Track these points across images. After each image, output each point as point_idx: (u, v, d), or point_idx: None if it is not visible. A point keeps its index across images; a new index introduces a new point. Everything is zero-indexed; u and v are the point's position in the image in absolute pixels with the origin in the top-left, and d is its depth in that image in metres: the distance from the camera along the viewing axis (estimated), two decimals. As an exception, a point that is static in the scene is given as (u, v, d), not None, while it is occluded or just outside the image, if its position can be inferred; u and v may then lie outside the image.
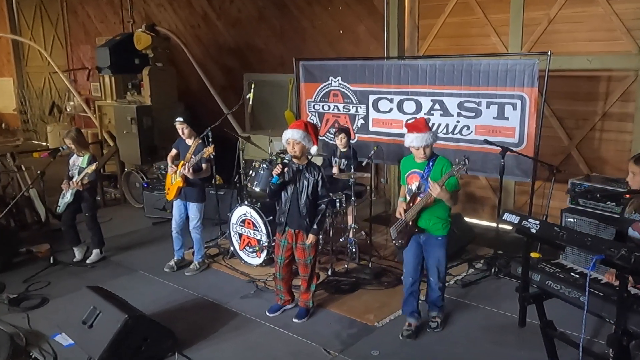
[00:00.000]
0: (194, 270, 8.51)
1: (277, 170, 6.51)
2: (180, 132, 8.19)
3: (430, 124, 6.51)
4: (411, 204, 6.14)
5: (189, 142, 8.22)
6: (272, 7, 12.64)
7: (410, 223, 6.17)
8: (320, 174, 6.58)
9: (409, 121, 6.35)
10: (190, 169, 8.00)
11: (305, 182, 6.54)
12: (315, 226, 6.61)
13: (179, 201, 8.40)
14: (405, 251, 6.40)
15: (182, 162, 8.16)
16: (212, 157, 8.03)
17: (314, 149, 6.55)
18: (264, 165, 8.24)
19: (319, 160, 9.60)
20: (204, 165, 8.17)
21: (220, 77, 13.98)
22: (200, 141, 8.20)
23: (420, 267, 6.39)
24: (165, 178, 8.97)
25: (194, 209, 8.38)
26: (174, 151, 8.50)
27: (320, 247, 8.54)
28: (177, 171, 8.17)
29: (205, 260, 8.73)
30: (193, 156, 8.02)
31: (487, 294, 7.46)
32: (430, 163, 6.05)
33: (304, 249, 6.73)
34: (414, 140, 6.00)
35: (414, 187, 6.15)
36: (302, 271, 6.88)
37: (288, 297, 7.15)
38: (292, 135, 6.42)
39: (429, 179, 5.93)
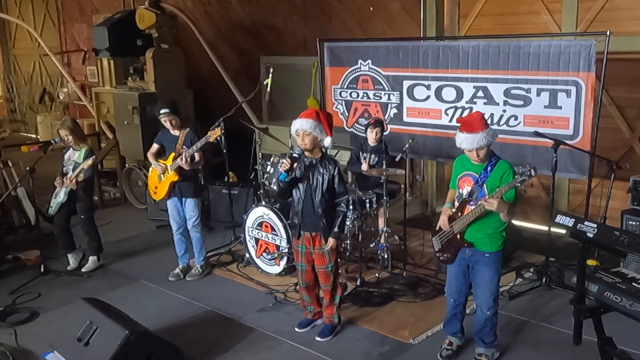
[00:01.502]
0: (196, 275, 8.65)
1: (284, 165, 6.52)
2: (168, 124, 8.25)
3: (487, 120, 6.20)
4: (459, 213, 5.95)
5: (176, 132, 8.31)
6: (292, -20, 12.72)
7: (458, 236, 6.00)
8: (337, 168, 6.56)
9: (462, 116, 6.19)
10: (189, 160, 8.07)
11: (320, 178, 6.51)
12: (335, 228, 6.58)
13: (174, 200, 8.48)
14: (448, 266, 6.28)
15: (171, 155, 8.26)
16: (217, 140, 8.10)
17: (327, 141, 6.54)
18: (286, 162, 8.26)
19: (346, 156, 9.64)
20: (196, 155, 8.23)
21: (234, 60, 14.06)
22: (189, 129, 8.32)
23: (466, 287, 6.23)
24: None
25: (191, 205, 8.47)
26: (155, 146, 8.52)
27: (347, 254, 8.63)
28: (168, 167, 8.25)
29: (209, 262, 8.89)
30: (184, 146, 8.13)
31: (537, 307, 7.47)
32: (489, 167, 5.81)
33: (323, 255, 6.71)
34: (464, 142, 5.75)
35: (464, 192, 5.94)
36: (323, 281, 6.86)
37: (318, 309, 7.15)
38: (300, 126, 6.43)
39: (484, 185, 5.76)
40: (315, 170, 6.54)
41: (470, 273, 6.09)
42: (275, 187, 8.19)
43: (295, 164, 6.56)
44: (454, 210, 6.06)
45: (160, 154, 8.46)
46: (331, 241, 6.60)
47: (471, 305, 6.48)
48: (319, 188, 6.50)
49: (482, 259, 5.94)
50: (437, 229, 6.23)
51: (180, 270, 8.72)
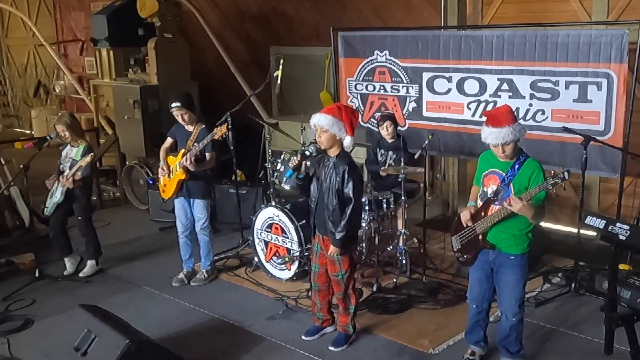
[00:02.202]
0: (201, 281, 8.66)
1: (293, 162, 6.54)
2: (180, 119, 8.26)
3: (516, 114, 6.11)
4: (483, 213, 5.91)
5: (190, 128, 8.31)
6: (304, -35, 12.73)
7: (480, 237, 5.94)
8: (346, 168, 6.39)
9: (487, 110, 6.13)
10: (193, 160, 8.05)
11: (333, 178, 6.43)
12: (337, 235, 6.45)
13: (181, 199, 8.48)
14: (471, 270, 6.26)
15: (181, 151, 8.25)
16: (223, 138, 8.09)
17: (347, 141, 6.43)
18: (295, 158, 8.23)
19: (361, 152, 9.64)
20: (207, 155, 8.23)
21: (242, 50, 14.09)
22: (204, 126, 8.27)
23: (490, 293, 6.18)
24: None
25: (200, 206, 8.47)
26: (169, 141, 8.54)
27: (363, 258, 8.64)
28: (176, 164, 8.25)
29: (215, 267, 8.89)
30: (196, 144, 8.10)
31: (566, 314, 7.46)
32: (517, 165, 5.77)
33: (333, 262, 6.66)
34: (489, 136, 5.70)
35: (489, 190, 5.90)
36: (336, 289, 6.84)
37: (327, 316, 7.12)
38: (318, 121, 6.37)
39: (511, 184, 5.73)
40: (330, 169, 6.47)
41: (494, 277, 6.06)
42: (285, 187, 8.21)
43: (304, 162, 6.56)
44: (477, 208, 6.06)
45: (175, 149, 8.47)
46: (332, 248, 6.52)
47: (495, 312, 6.46)
48: (331, 189, 6.44)
49: (507, 261, 5.91)
50: (457, 227, 6.21)
51: (185, 275, 8.73)
